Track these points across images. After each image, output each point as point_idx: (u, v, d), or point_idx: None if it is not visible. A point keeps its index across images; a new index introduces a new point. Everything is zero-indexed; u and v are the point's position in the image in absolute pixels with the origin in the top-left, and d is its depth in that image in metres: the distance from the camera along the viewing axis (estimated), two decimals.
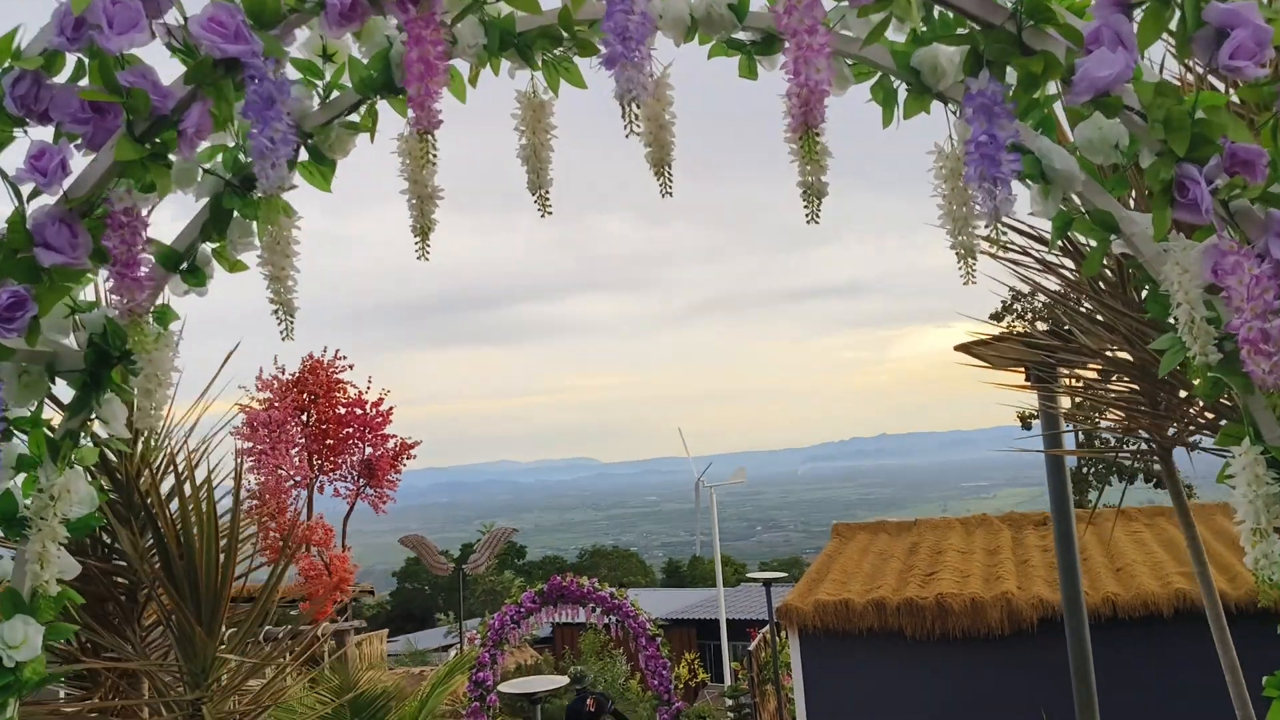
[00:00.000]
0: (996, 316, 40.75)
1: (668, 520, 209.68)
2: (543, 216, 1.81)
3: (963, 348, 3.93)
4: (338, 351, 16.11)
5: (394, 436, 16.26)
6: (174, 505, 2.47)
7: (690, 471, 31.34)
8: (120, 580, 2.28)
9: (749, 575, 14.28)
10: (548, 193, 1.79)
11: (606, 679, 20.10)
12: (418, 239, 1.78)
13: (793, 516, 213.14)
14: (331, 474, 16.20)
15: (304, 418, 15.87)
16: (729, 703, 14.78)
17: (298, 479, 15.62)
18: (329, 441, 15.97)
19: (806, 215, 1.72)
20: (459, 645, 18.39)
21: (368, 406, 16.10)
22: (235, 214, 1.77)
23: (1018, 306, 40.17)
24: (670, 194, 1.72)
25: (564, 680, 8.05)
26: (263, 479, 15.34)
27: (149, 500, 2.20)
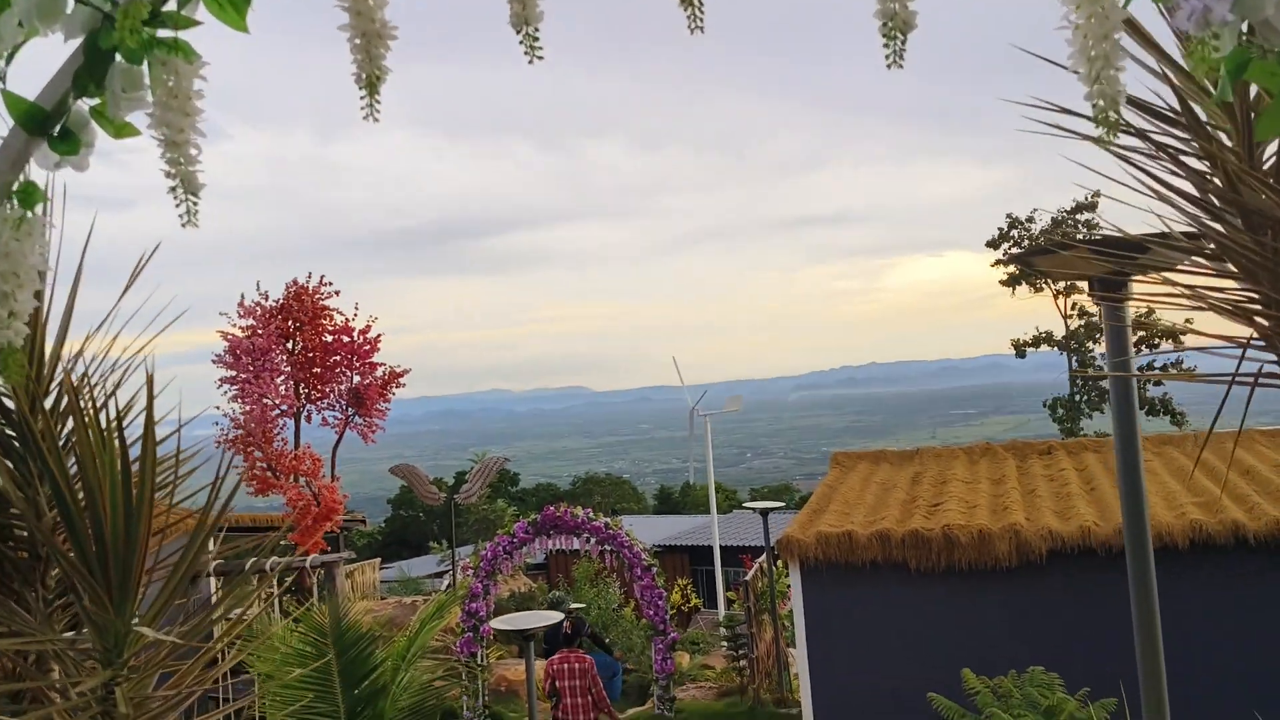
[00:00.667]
0: (993, 244, 40.38)
1: (660, 448, 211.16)
2: (530, 62, 1.35)
3: (1019, 259, 3.49)
4: (323, 277, 15.62)
5: (383, 365, 15.86)
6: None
7: (683, 399, 31.09)
8: (20, 533, 1.89)
9: (745, 504, 14.04)
10: (537, 30, 1.32)
11: (599, 606, 20.03)
12: (364, 93, 1.33)
13: (783, 444, 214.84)
14: (319, 403, 15.83)
15: (289, 346, 15.44)
16: (724, 632, 14.64)
17: (284, 408, 15.26)
18: (316, 370, 15.57)
19: (887, 58, 1.27)
20: (452, 575, 18.24)
21: (355, 334, 15.65)
22: (118, 58, 1.31)
23: (1015, 234, 39.72)
24: (703, 28, 1.28)
25: (558, 616, 7.78)
26: (247, 408, 14.98)
27: (45, 441, 1.79)
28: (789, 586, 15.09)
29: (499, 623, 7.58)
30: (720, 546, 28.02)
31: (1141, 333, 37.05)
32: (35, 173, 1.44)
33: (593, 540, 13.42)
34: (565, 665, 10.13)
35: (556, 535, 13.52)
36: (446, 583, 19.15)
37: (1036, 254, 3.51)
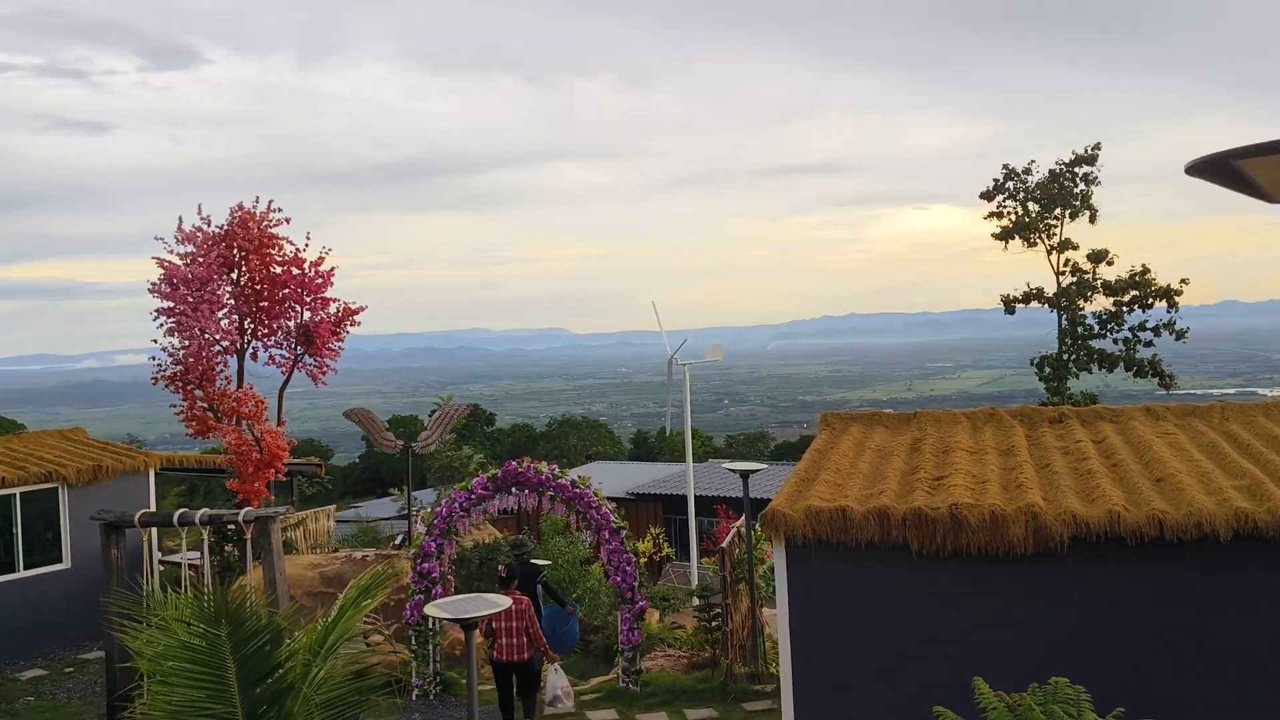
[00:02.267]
0: (987, 195, 39.11)
1: (637, 391, 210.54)
2: None
3: (1211, 163, 2.31)
4: (271, 202, 14.25)
5: (336, 300, 14.56)
6: None
7: (662, 345, 29.97)
8: None
9: (725, 465, 12.96)
10: None
11: (567, 559, 19.06)
12: None
13: (760, 392, 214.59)
14: (266, 340, 14.54)
15: (233, 276, 14.10)
16: (698, 602, 13.65)
17: (225, 344, 13.99)
18: (262, 304, 14.25)
19: None
20: (407, 531, 17.17)
21: (306, 266, 14.31)
22: None
23: (1010, 185, 38.46)
24: None
25: (504, 602, 6.68)
26: (185, 343, 13.70)
27: None
28: (767, 551, 14.14)
29: (438, 609, 6.47)
30: (695, 496, 27.16)
31: (1135, 292, 36.08)
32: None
33: (557, 499, 12.32)
34: None
35: (519, 492, 12.40)
36: (401, 537, 18.11)
37: (1247, 154, 2.32)
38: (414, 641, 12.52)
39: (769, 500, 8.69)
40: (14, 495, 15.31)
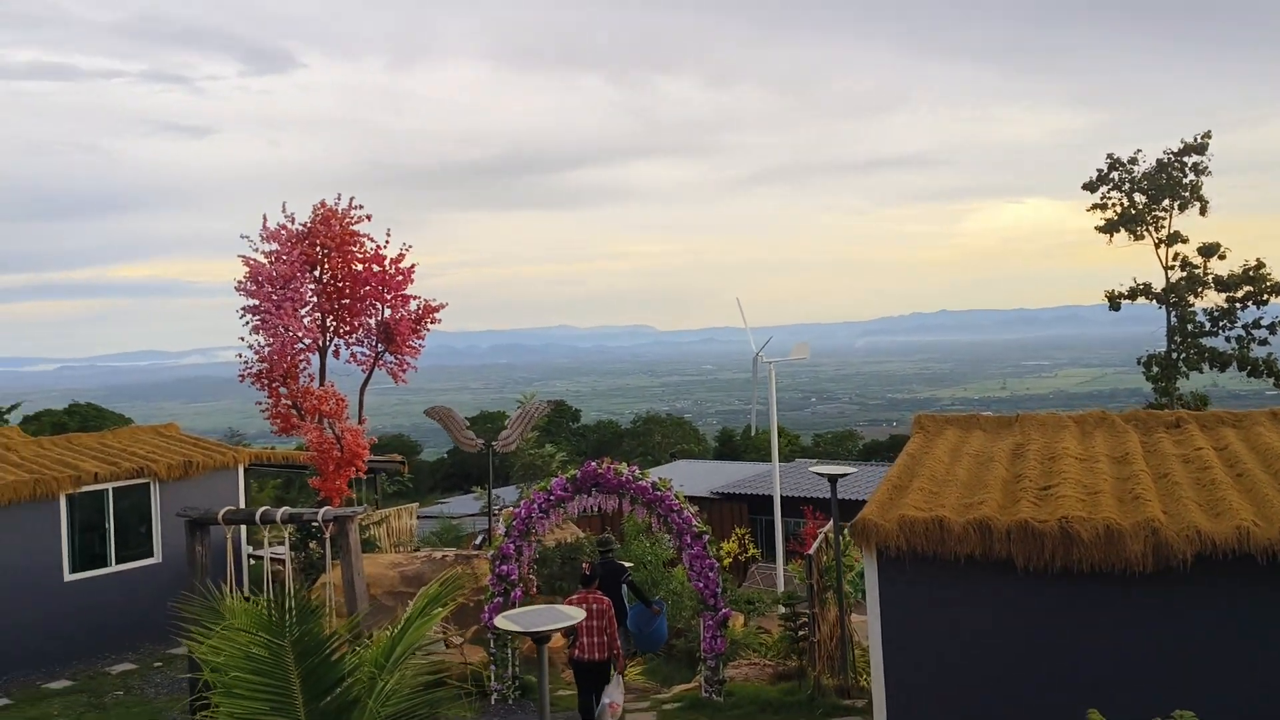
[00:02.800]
0: (1090, 186, 37.49)
1: (722, 388, 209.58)
2: None
3: None
4: (352, 200, 14.20)
5: (416, 298, 14.46)
6: None
7: (747, 341, 29.44)
8: None
9: (812, 468, 12.45)
10: None
11: (650, 559, 18.72)
12: None
13: (848, 389, 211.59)
14: (348, 338, 14.52)
15: (316, 274, 14.11)
16: (783, 610, 13.16)
17: (307, 342, 14.00)
18: (344, 301, 14.23)
19: None
20: (487, 532, 17.03)
21: (387, 263, 14.24)
22: None
23: (1115, 176, 36.80)
24: None
25: (578, 614, 6.35)
26: (270, 341, 13.74)
27: None
28: (858, 561, 13.58)
29: (508, 621, 6.16)
30: (781, 497, 26.60)
31: (1249, 288, 34.23)
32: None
33: (638, 502, 11.97)
34: (583, 605, 10.16)
35: (598, 494, 12.09)
36: (481, 537, 17.99)
37: None
38: (492, 645, 12.30)
39: (857, 502, 8.22)
40: (107, 490, 15.60)
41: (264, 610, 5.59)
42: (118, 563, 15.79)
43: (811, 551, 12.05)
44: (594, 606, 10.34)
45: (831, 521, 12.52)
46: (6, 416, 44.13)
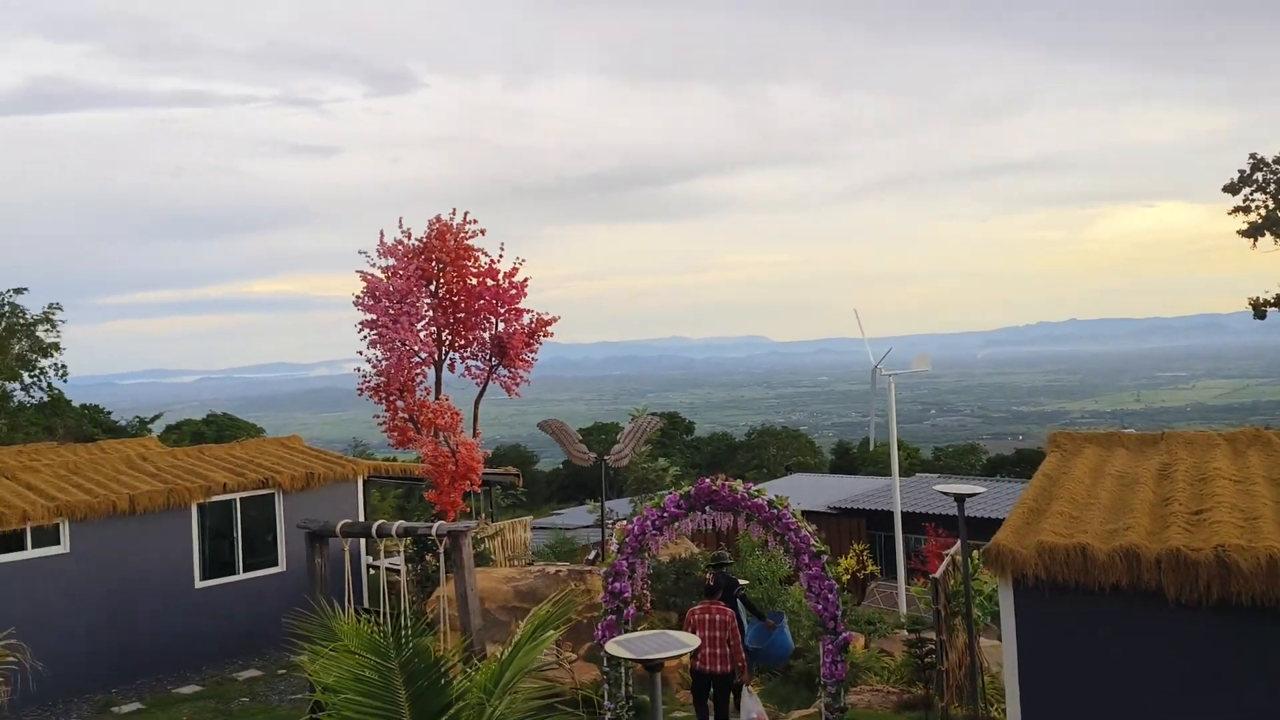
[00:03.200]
0: (1231, 189, 35.37)
1: (839, 400, 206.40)
2: None
3: None
4: (467, 214, 14.30)
5: (529, 311, 14.46)
6: None
7: (864, 352, 28.74)
8: None
9: (940, 488, 11.88)
10: None
11: (766, 578, 18.30)
12: None
13: (970, 401, 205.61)
14: (462, 351, 14.62)
15: (432, 288, 14.25)
16: (907, 635, 12.60)
17: (423, 355, 14.14)
18: (459, 315, 14.34)
19: None
20: (600, 547, 16.91)
21: (501, 277, 14.29)
22: None
23: (1259, 177, 34.64)
24: None
25: (693, 641, 6.09)
26: (386, 355, 13.92)
27: None
28: (987, 584, 12.92)
29: (620, 647, 5.94)
30: (901, 512, 25.81)
31: None
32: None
33: (754, 520, 11.62)
34: (706, 616, 10.44)
35: (712, 511, 11.78)
36: (595, 552, 17.89)
37: None
38: (605, 664, 12.12)
39: (984, 520, 7.74)
40: (235, 500, 16.09)
41: (374, 632, 5.50)
42: (245, 571, 16.26)
43: (938, 575, 11.49)
44: (716, 617, 10.41)
45: (959, 543, 11.94)
46: (149, 426, 46.47)
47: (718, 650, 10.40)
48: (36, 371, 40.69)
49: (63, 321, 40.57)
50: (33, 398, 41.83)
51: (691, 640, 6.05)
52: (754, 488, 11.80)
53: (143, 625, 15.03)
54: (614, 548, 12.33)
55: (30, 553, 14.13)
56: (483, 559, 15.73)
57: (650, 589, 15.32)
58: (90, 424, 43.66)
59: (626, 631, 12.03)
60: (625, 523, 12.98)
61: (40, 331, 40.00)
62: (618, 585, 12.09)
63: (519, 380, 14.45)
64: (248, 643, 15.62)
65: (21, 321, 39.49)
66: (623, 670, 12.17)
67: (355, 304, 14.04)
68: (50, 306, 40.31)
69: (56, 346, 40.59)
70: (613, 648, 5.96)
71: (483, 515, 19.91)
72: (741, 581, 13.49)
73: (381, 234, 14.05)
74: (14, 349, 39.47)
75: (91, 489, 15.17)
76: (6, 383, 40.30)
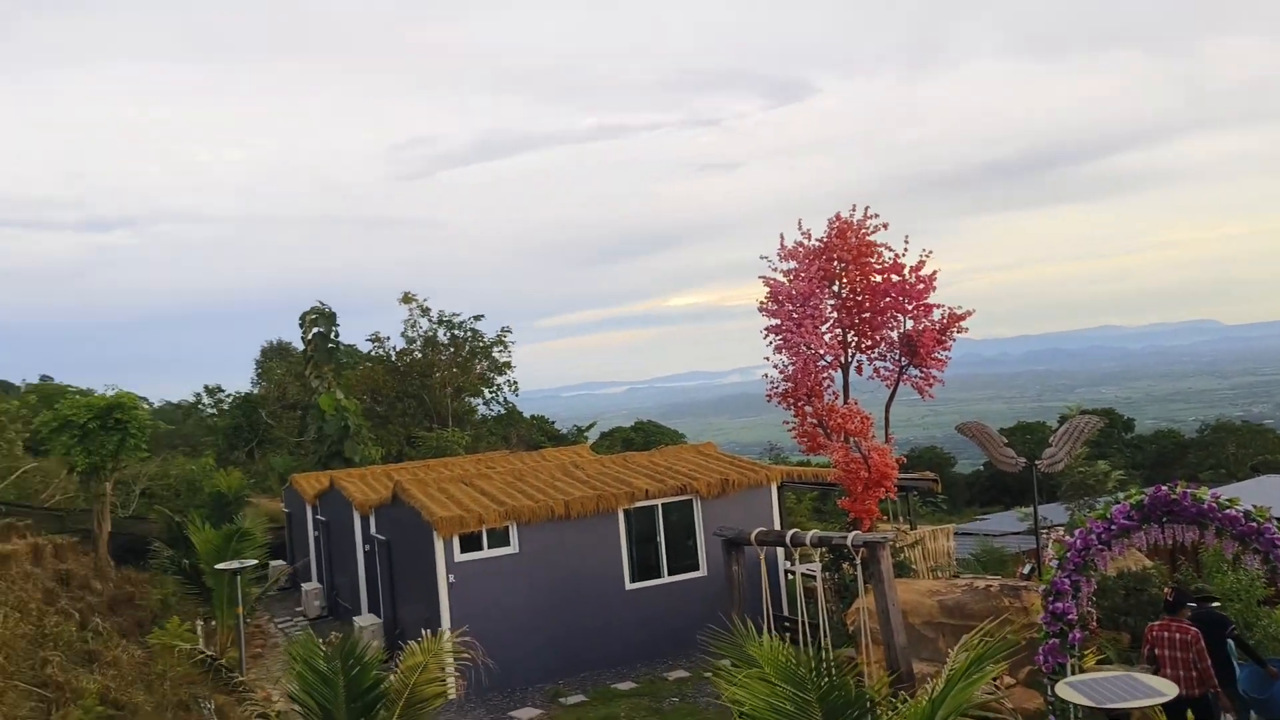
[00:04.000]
0: None
1: None
2: None
3: None
4: (867, 210, 13.73)
5: (939, 307, 13.55)
6: None
7: None
8: None
9: None
10: None
11: (1242, 597, 15.68)
12: None
13: None
14: (869, 352, 14.06)
15: (834, 288, 13.85)
16: None
17: (829, 359, 13.76)
18: (864, 315, 13.80)
19: None
20: (1035, 562, 15.41)
21: (906, 272, 13.54)
22: None
23: None
24: None
25: (1168, 692, 5.07)
26: (792, 360, 13.73)
27: None
28: None
29: (1072, 690, 5.09)
30: None
31: None
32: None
33: (1225, 534, 9.85)
34: (1165, 634, 9.88)
35: (1171, 524, 10.17)
36: (1030, 566, 16.35)
37: None
38: (1050, 691, 10.91)
39: None
40: (657, 505, 16.76)
41: (791, 658, 5.16)
42: (670, 574, 16.88)
43: None
44: (1176, 636, 9.79)
45: None
46: (585, 434, 50.78)
47: (1180, 671, 9.58)
48: (494, 388, 46.19)
49: (512, 342, 45.77)
50: (492, 411, 47.48)
51: (1167, 688, 5.05)
52: (1223, 496, 10.03)
53: (582, 622, 16.08)
54: (1052, 561, 11.10)
55: (487, 552, 15.67)
56: (903, 569, 15.00)
57: (1096, 606, 13.71)
58: (538, 432, 48.63)
59: (1072, 656, 10.77)
60: (1063, 533, 11.65)
61: (495, 352, 45.36)
62: (1059, 605, 10.85)
63: (931, 381, 13.59)
64: (674, 643, 16.13)
65: (481, 344, 44.99)
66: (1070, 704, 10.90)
67: (759, 309, 14.04)
68: (502, 330, 45.62)
69: (509, 365, 45.88)
70: (1065, 690, 5.13)
71: (901, 522, 19.10)
72: (1214, 603, 11.64)
73: (781, 237, 13.91)
74: (476, 369, 45.05)
75: (533, 494, 16.54)
76: (470, 398, 46.13)
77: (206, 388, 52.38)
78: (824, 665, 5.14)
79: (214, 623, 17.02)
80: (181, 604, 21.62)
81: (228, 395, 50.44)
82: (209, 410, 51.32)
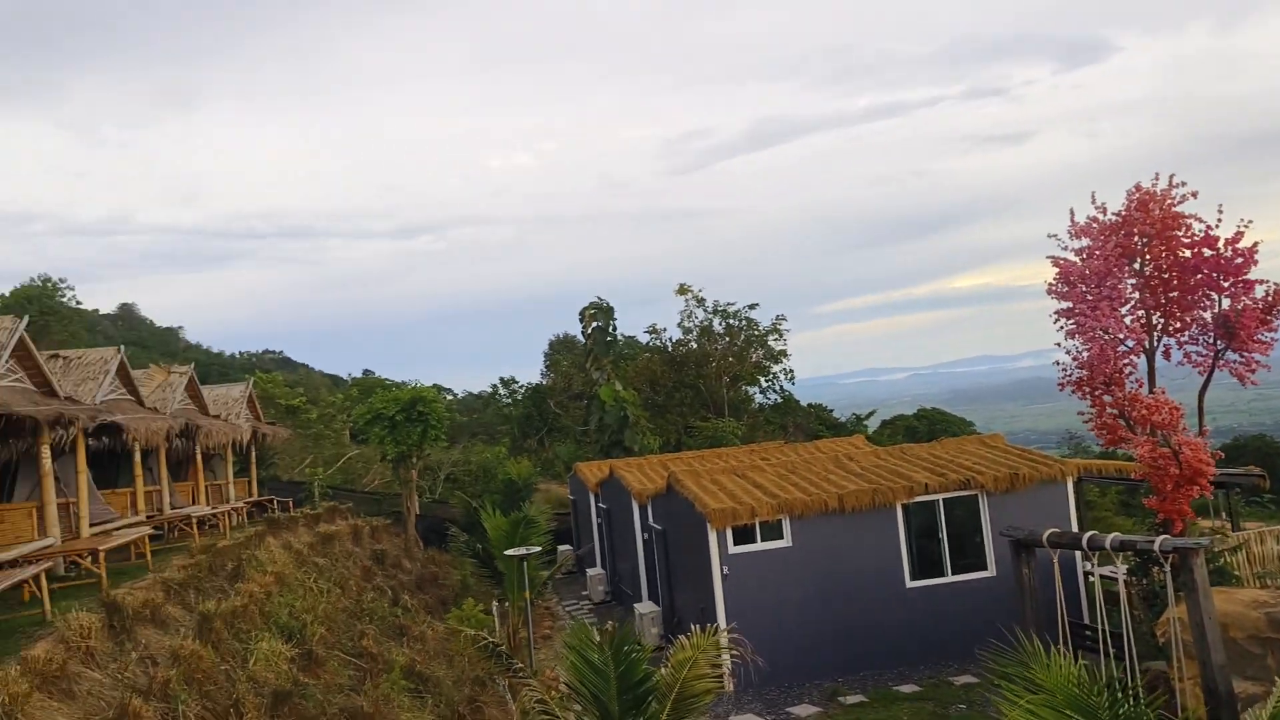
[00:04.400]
0: None
1: None
2: None
3: None
4: (1172, 178, 12.32)
5: (1263, 282, 11.96)
6: None
7: None
8: None
9: None
10: None
11: None
12: None
13: None
14: (1178, 335, 12.64)
15: (1135, 266, 12.55)
16: None
17: (1130, 343, 12.52)
18: (1171, 294, 12.42)
19: None
20: None
21: (1221, 245, 12.05)
22: None
23: None
24: None
25: None
26: (1086, 345, 12.61)
27: None
28: None
29: None
30: None
31: None
32: None
33: None
34: None
35: None
36: None
37: None
38: None
39: None
40: (938, 501, 15.99)
41: (1083, 685, 4.68)
42: (954, 573, 16.06)
43: None
44: None
45: None
46: (865, 422, 49.58)
47: None
48: (770, 376, 46.11)
49: (788, 330, 45.44)
50: (768, 399, 47.41)
51: None
52: None
53: (859, 620, 15.65)
54: None
55: (760, 545, 15.60)
56: (1223, 575, 13.42)
57: None
58: (815, 421, 48.02)
59: None
60: None
61: (771, 340, 45.26)
62: None
63: (1254, 366, 11.99)
64: (960, 646, 15.33)
65: (756, 333, 45.05)
66: None
67: (1048, 292, 12.96)
68: (777, 318, 45.40)
69: (785, 353, 45.61)
70: None
71: (1221, 521, 17.11)
72: None
73: (1072, 213, 12.76)
74: (751, 358, 45.20)
75: (806, 487, 16.28)
76: (746, 387, 46.32)
77: (502, 379, 56.08)
78: (1123, 692, 4.60)
79: (506, 604, 18.09)
80: (479, 584, 23.21)
81: (520, 386, 53.75)
82: (505, 400, 54.90)
